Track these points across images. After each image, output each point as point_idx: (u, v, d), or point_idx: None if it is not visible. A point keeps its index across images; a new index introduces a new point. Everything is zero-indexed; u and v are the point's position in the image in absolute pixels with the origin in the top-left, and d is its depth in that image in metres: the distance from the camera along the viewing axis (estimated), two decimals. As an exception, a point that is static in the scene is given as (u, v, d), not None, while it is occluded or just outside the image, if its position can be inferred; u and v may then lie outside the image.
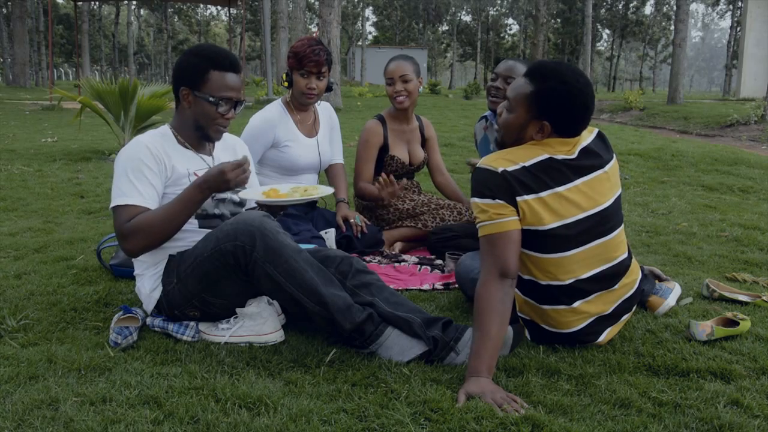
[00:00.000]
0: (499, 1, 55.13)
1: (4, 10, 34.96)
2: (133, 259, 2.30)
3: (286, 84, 3.22)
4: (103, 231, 3.57)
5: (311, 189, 2.34)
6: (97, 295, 2.51)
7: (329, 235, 3.18)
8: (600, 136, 2.07)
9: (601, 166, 2.01)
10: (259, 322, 2.08)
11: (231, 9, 17.74)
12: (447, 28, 58.40)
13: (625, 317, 2.14)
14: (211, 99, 2.16)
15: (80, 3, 22.38)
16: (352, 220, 3.27)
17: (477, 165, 1.95)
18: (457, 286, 2.64)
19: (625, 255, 2.08)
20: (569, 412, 1.64)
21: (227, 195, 2.34)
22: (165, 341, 2.08)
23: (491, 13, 55.87)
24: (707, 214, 4.37)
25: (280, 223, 2.20)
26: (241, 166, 2.01)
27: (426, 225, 3.41)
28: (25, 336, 2.11)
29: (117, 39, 50.99)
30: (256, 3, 42.06)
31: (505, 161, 1.90)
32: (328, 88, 3.24)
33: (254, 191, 2.33)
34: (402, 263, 3.15)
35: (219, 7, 39.56)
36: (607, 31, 54.31)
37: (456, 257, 2.99)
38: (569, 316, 2.01)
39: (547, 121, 1.94)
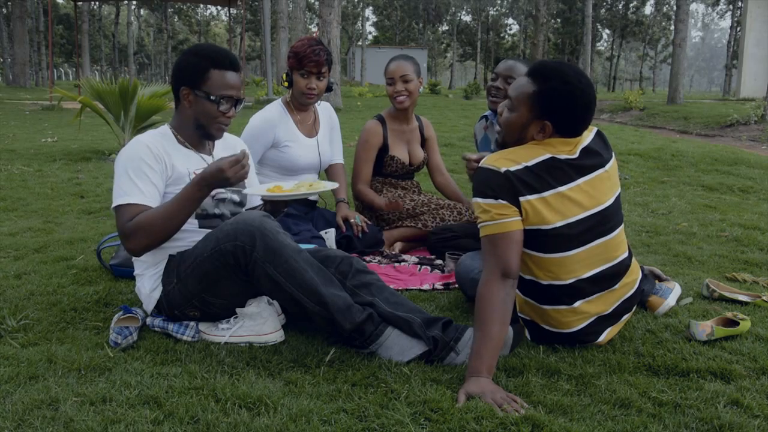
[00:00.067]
0: (499, 1, 55.14)
1: (4, 10, 34.97)
2: (133, 259, 2.30)
3: (286, 84, 3.22)
4: (103, 231, 3.57)
5: (316, 184, 2.34)
6: (97, 295, 2.51)
7: (329, 235, 3.18)
8: (599, 135, 2.07)
9: (602, 165, 2.01)
10: (259, 322, 2.08)
11: (231, 9, 17.74)
12: (447, 28, 58.40)
13: (626, 317, 2.14)
14: (212, 98, 2.16)
15: (80, 3, 22.38)
16: (352, 220, 3.27)
17: (479, 165, 1.94)
18: (457, 286, 2.64)
19: (626, 254, 2.08)
20: (569, 412, 1.64)
21: (227, 195, 2.34)
22: (165, 341, 2.08)
23: (491, 13, 55.87)
24: (707, 214, 4.37)
25: (280, 223, 2.20)
26: (239, 161, 2.00)
27: (426, 225, 3.41)
28: (25, 336, 2.11)
29: (117, 39, 51.01)
30: (256, 3, 42.06)
31: (507, 161, 1.90)
32: (328, 88, 3.24)
33: (258, 188, 2.33)
34: (402, 263, 3.15)
35: (219, 7, 39.58)
36: (607, 31, 54.32)
37: (456, 257, 2.99)
38: (570, 316, 2.01)
39: (549, 121, 1.93)
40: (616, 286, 2.05)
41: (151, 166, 2.13)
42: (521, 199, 1.87)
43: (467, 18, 59.02)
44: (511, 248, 1.86)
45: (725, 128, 11.61)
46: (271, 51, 18.37)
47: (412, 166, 3.59)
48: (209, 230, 2.16)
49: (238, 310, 2.12)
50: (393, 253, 3.30)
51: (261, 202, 2.52)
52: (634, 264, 2.16)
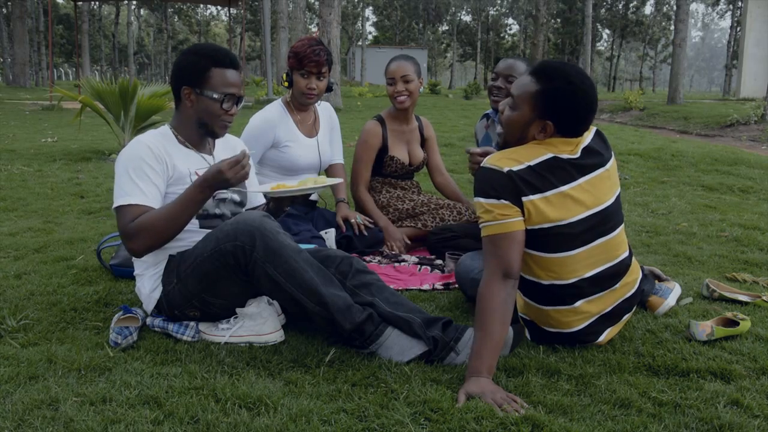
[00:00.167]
0: (499, 1, 55.14)
1: (4, 10, 34.96)
2: (133, 259, 2.30)
3: (286, 84, 3.21)
4: (103, 231, 3.57)
5: (321, 179, 2.35)
6: (97, 295, 2.51)
7: (329, 235, 3.18)
8: (599, 135, 2.07)
9: (602, 165, 2.01)
10: (259, 322, 2.08)
11: (231, 9, 17.75)
12: (447, 28, 58.40)
13: (626, 317, 2.14)
14: (215, 96, 2.17)
15: (80, 3, 22.38)
16: (352, 220, 3.27)
17: (481, 165, 1.94)
18: (457, 286, 2.64)
19: (626, 254, 2.08)
20: (569, 412, 1.64)
21: (228, 195, 2.34)
22: (165, 341, 2.08)
23: (491, 13, 55.87)
24: (707, 214, 4.37)
25: (280, 223, 2.20)
26: (239, 162, 2.00)
27: (426, 225, 3.41)
28: (25, 336, 2.11)
29: (117, 39, 51.00)
30: (256, 3, 42.06)
31: (510, 161, 1.89)
32: (329, 89, 3.24)
33: (263, 186, 2.33)
34: (402, 263, 3.15)
35: (219, 7, 39.57)
36: (607, 31, 54.31)
37: (456, 257, 2.99)
38: (570, 316, 2.01)
39: (551, 121, 1.93)
40: (617, 286, 2.05)
41: (152, 167, 2.14)
42: (524, 199, 1.87)
43: (467, 18, 59.05)
44: (512, 248, 1.86)
45: (725, 128, 11.61)
46: (271, 51, 18.37)
47: (411, 166, 3.59)
48: (210, 230, 2.16)
49: (238, 310, 2.12)
50: (393, 253, 3.30)
51: (261, 202, 2.53)
52: (635, 264, 2.16)
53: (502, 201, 1.86)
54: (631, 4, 49.47)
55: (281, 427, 1.54)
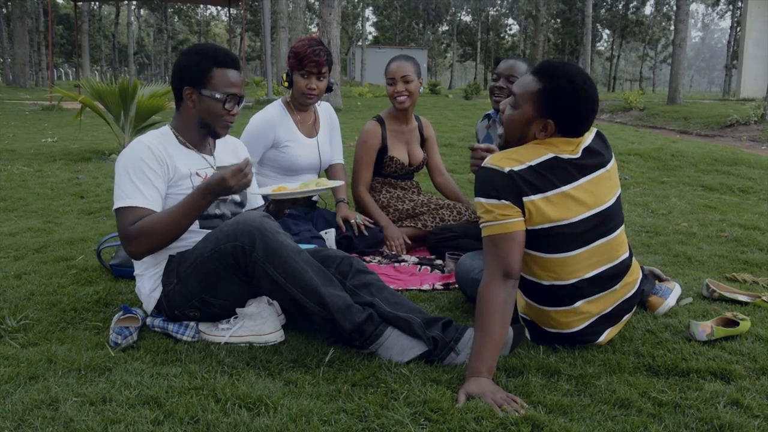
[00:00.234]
0: (499, 1, 55.14)
1: (4, 10, 34.97)
2: (133, 259, 2.30)
3: (286, 84, 3.22)
4: (103, 231, 3.57)
5: (323, 182, 2.35)
6: (97, 295, 2.51)
7: (329, 235, 3.18)
8: (599, 136, 2.07)
9: (603, 165, 2.01)
10: (259, 322, 2.08)
11: (231, 9, 17.75)
12: (447, 28, 58.40)
13: (626, 317, 2.14)
14: (217, 96, 2.17)
15: (80, 3, 22.37)
16: (352, 221, 3.27)
17: (482, 164, 1.94)
18: (457, 286, 2.64)
19: (627, 254, 2.08)
20: (569, 412, 1.64)
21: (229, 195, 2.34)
22: (165, 341, 2.08)
23: (491, 13, 55.87)
24: (707, 214, 4.37)
25: (280, 223, 2.20)
26: (242, 170, 2.01)
27: (426, 225, 3.41)
28: (25, 336, 2.11)
29: (117, 39, 50.99)
30: (256, 3, 42.05)
31: (511, 161, 1.89)
32: (329, 89, 3.24)
33: (264, 189, 2.33)
34: (402, 263, 3.15)
35: (219, 7, 39.52)
36: (607, 31, 54.33)
37: (456, 257, 2.99)
38: (571, 317, 2.01)
39: (552, 120, 1.93)
40: (617, 287, 2.05)
41: (153, 169, 2.14)
42: (525, 199, 1.87)
43: (467, 18, 59.04)
44: (513, 249, 1.86)
45: (725, 128, 11.61)
46: (271, 51, 18.37)
47: (411, 167, 3.59)
48: (210, 230, 2.16)
49: (238, 310, 2.12)
50: (393, 253, 3.30)
51: (261, 203, 2.53)
52: (635, 264, 2.16)
53: (503, 201, 1.86)
54: (631, 4, 49.47)
55: (281, 427, 1.54)
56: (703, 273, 2.98)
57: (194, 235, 2.21)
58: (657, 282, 2.49)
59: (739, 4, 37.45)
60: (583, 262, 1.97)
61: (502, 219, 1.86)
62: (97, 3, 38.66)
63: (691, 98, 21.85)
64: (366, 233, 3.27)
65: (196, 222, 2.25)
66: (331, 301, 1.95)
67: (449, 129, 9.79)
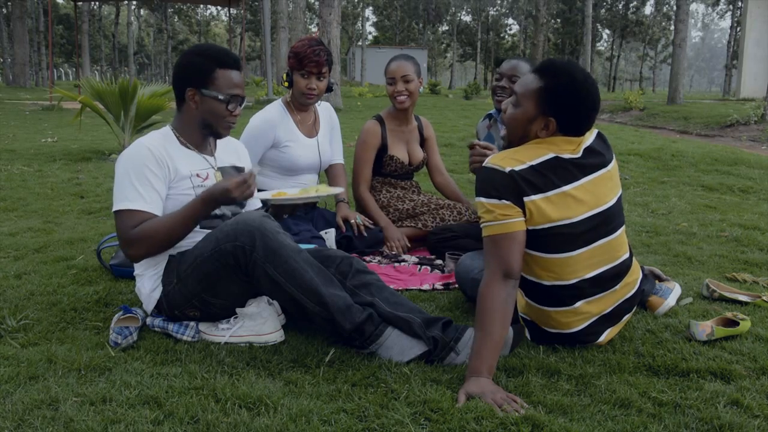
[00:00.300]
0: (499, 1, 55.13)
1: (4, 10, 34.97)
2: (133, 259, 2.30)
3: (286, 84, 3.21)
4: (103, 231, 3.57)
5: (323, 188, 2.36)
6: (97, 295, 2.51)
7: (329, 235, 3.18)
8: (600, 136, 2.07)
9: (604, 165, 2.01)
10: (259, 322, 2.08)
11: (231, 9, 17.75)
12: (447, 28, 58.39)
13: (626, 317, 2.14)
14: (220, 97, 2.17)
15: (80, 3, 22.38)
16: (352, 221, 3.27)
17: (483, 164, 1.94)
18: (457, 286, 2.64)
19: (627, 255, 2.08)
20: (569, 412, 1.64)
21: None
22: (165, 341, 2.08)
23: (491, 13, 55.86)
24: (707, 214, 4.37)
25: (280, 223, 2.20)
26: (245, 182, 2.03)
27: (426, 225, 3.41)
28: (25, 336, 2.11)
29: (117, 39, 50.99)
30: (256, 3, 42.05)
31: (512, 161, 1.89)
32: (329, 89, 3.24)
33: (264, 194, 2.34)
34: (402, 263, 3.15)
35: (219, 7, 39.55)
36: (607, 31, 54.32)
37: (456, 257, 2.99)
38: (571, 317, 2.01)
39: (554, 118, 1.93)
40: (617, 287, 2.05)
41: (153, 171, 2.14)
42: (525, 199, 1.87)
43: (467, 18, 59.04)
44: (513, 249, 1.86)
45: (725, 128, 11.61)
46: (271, 51, 18.37)
47: (411, 166, 3.59)
48: (210, 230, 2.16)
49: (238, 310, 2.12)
50: (393, 253, 3.30)
51: (260, 205, 2.53)
52: (635, 264, 2.16)
53: (504, 201, 1.86)
54: (631, 4, 49.48)
55: (281, 427, 1.54)
56: (703, 273, 2.98)
57: (195, 235, 2.21)
58: (657, 282, 2.49)
59: (739, 4, 37.45)
60: (584, 263, 1.97)
61: (502, 219, 1.86)
62: (97, 3, 38.65)
63: (691, 98, 21.85)
64: (365, 234, 3.27)
65: (197, 222, 2.26)
66: (331, 301, 1.95)
67: (449, 129, 9.79)
